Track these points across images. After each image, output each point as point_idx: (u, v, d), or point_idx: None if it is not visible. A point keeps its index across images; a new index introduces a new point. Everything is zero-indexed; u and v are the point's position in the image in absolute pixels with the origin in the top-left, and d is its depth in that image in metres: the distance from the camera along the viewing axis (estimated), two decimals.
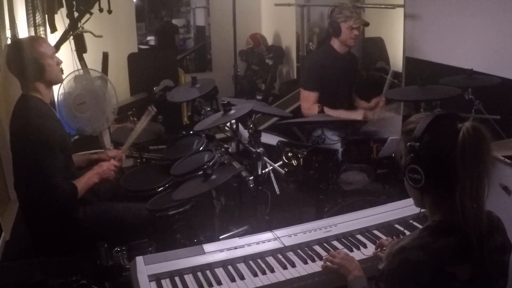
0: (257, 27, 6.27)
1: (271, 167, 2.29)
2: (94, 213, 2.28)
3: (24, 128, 2.14)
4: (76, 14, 3.72)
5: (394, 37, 4.45)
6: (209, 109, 2.83)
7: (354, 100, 3.45)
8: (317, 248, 1.79)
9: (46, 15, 3.86)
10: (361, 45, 4.47)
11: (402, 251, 1.21)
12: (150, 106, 2.83)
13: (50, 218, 2.18)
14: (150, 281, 1.58)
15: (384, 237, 1.82)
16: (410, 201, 1.39)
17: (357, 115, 3.12)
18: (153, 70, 5.19)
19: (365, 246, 1.80)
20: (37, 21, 3.94)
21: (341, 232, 1.87)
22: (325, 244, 1.82)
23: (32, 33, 3.90)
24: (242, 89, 5.72)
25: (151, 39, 6.13)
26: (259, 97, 5.64)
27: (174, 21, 6.23)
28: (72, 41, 3.83)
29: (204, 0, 6.20)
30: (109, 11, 3.87)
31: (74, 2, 3.72)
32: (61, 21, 3.91)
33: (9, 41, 3.75)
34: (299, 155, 2.48)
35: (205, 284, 1.58)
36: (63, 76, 2.52)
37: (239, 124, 2.41)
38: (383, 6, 4.23)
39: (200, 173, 2.20)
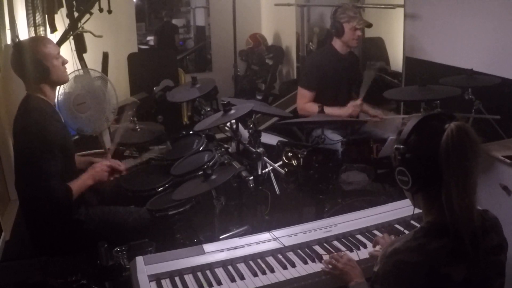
0: (257, 27, 6.27)
1: (271, 167, 2.29)
2: (95, 215, 2.27)
3: (25, 128, 2.13)
4: (76, 14, 3.73)
5: (394, 37, 4.46)
6: (209, 109, 2.83)
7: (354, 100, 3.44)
8: (317, 248, 1.79)
9: (46, 15, 3.86)
10: (361, 45, 4.47)
11: (396, 253, 1.21)
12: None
13: (50, 218, 2.18)
14: (150, 281, 1.58)
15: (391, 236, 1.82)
16: (409, 201, 1.40)
17: (347, 110, 3.11)
18: (153, 70, 5.19)
19: (365, 246, 1.80)
20: (37, 21, 3.94)
21: (341, 232, 1.87)
22: (325, 244, 1.82)
23: (32, 33, 3.90)
24: (242, 89, 5.72)
25: (151, 39, 6.13)
26: (259, 97, 5.63)
27: (174, 21, 6.23)
28: (72, 41, 3.83)
29: (204, 0, 6.20)
30: (109, 11, 3.87)
31: (74, 2, 3.72)
32: (61, 21, 3.91)
33: (9, 41, 3.75)
34: (299, 155, 2.48)
35: (205, 284, 1.58)
36: None
37: (239, 124, 2.41)
38: (383, 6, 4.23)
39: (200, 173, 2.20)
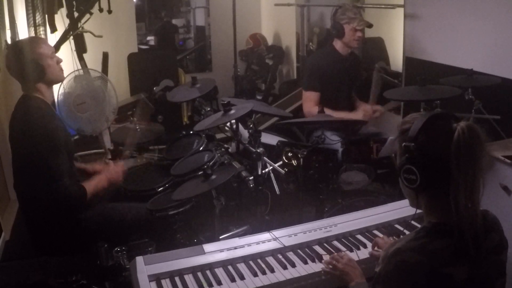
0: (257, 27, 6.27)
1: (271, 167, 2.29)
2: (94, 214, 2.27)
3: (28, 129, 2.12)
4: (76, 14, 3.73)
5: (394, 37, 4.46)
6: (209, 109, 2.83)
7: (354, 101, 3.45)
8: (317, 248, 1.79)
9: (46, 15, 3.86)
10: (361, 45, 4.46)
11: (397, 253, 1.21)
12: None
13: (51, 218, 2.18)
14: (150, 281, 1.58)
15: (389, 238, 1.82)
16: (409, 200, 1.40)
17: (357, 115, 3.11)
18: (153, 70, 5.19)
19: (365, 246, 1.80)
20: (37, 21, 3.94)
21: (341, 232, 1.87)
22: (325, 244, 1.82)
23: (32, 33, 3.90)
24: (242, 89, 5.72)
25: (151, 39, 6.13)
26: (259, 97, 5.64)
27: (174, 21, 6.23)
28: (72, 41, 3.84)
29: (204, 0, 6.20)
30: (109, 11, 3.87)
31: (74, 2, 3.72)
32: (61, 21, 3.92)
33: (9, 41, 3.75)
34: (299, 155, 2.48)
35: (205, 284, 1.58)
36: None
37: (239, 124, 2.41)
38: (383, 6, 4.23)
39: (200, 173, 2.20)
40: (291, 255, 1.75)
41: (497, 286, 1.26)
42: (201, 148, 2.59)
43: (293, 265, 1.68)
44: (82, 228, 2.22)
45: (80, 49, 3.88)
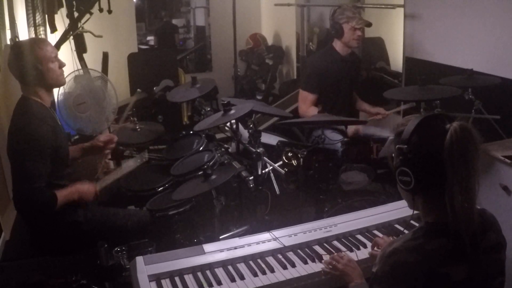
0: (257, 27, 6.27)
1: (271, 167, 2.29)
2: (94, 217, 2.27)
3: (15, 130, 2.13)
4: (76, 14, 3.72)
5: (394, 37, 4.45)
6: (209, 109, 2.83)
7: (355, 101, 3.44)
8: (317, 248, 1.79)
9: (46, 15, 3.86)
10: (361, 45, 4.46)
11: (394, 253, 1.21)
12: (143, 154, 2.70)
13: (45, 221, 2.18)
14: (150, 281, 1.58)
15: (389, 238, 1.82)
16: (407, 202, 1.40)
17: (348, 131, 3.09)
18: (153, 70, 5.19)
19: (365, 246, 1.80)
20: (37, 21, 3.94)
21: (341, 232, 1.87)
22: (325, 244, 1.82)
23: (32, 33, 3.90)
24: (242, 89, 5.72)
25: (151, 39, 6.13)
26: (259, 97, 5.63)
27: (174, 21, 6.23)
28: (72, 41, 3.83)
29: (204, 0, 6.20)
30: (109, 11, 3.87)
31: (74, 2, 3.72)
32: (61, 21, 3.91)
33: (8, 41, 3.75)
34: (299, 155, 2.48)
35: (205, 284, 1.58)
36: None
37: (239, 124, 2.41)
38: (383, 6, 4.23)
39: (200, 173, 2.20)
40: (291, 255, 1.75)
41: (496, 285, 1.26)
42: (201, 148, 2.59)
43: (293, 265, 1.68)
44: (82, 231, 2.22)
45: (80, 49, 3.88)
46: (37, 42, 2.26)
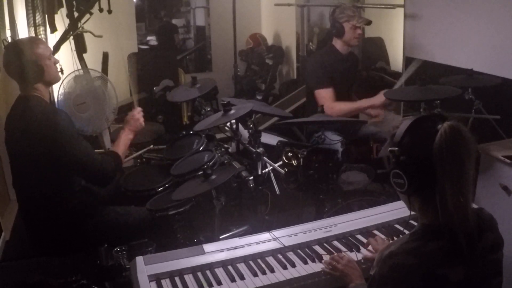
0: (257, 27, 6.26)
1: (271, 167, 2.29)
2: (94, 216, 2.27)
3: (35, 127, 2.09)
4: (76, 14, 3.72)
5: (394, 37, 4.46)
6: (209, 109, 2.82)
7: (353, 101, 3.44)
8: (317, 248, 1.79)
9: (46, 15, 3.85)
10: (361, 45, 4.47)
11: (392, 256, 1.21)
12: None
13: (50, 217, 2.18)
14: (150, 281, 1.58)
15: (383, 237, 1.82)
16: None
17: (377, 99, 3.07)
18: (153, 70, 5.19)
19: None
20: (37, 21, 3.93)
21: (341, 232, 1.87)
22: (325, 244, 1.82)
23: (32, 33, 3.90)
24: (242, 89, 5.72)
25: (151, 39, 6.12)
26: (259, 97, 5.63)
27: (174, 21, 6.22)
28: (72, 41, 3.83)
29: (204, 0, 6.19)
30: (109, 11, 3.86)
31: (74, 2, 3.72)
32: (61, 21, 3.91)
33: (3, 43, 3.75)
34: (299, 155, 2.48)
35: (205, 284, 1.58)
36: (64, 76, 2.52)
37: (239, 124, 2.41)
38: (383, 6, 4.23)
39: (200, 173, 2.20)
40: (291, 255, 1.75)
41: (493, 285, 1.26)
42: (201, 148, 2.59)
43: (293, 265, 1.68)
44: (83, 231, 2.22)
45: (80, 49, 3.87)
46: (33, 40, 2.31)
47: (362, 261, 1.70)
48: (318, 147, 2.54)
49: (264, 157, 2.23)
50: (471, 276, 1.19)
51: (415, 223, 1.79)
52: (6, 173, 3.41)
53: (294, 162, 2.48)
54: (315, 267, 1.67)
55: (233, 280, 1.60)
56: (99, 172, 2.19)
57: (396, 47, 4.49)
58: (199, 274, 1.64)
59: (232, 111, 2.32)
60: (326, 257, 1.70)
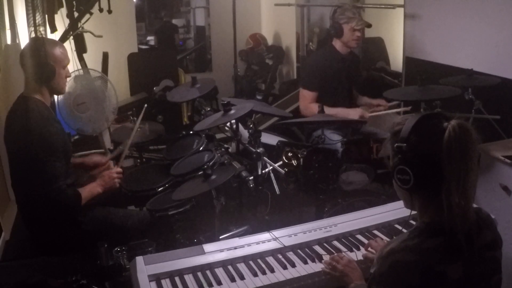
0: (257, 27, 6.27)
1: (271, 167, 2.29)
2: (94, 216, 2.27)
3: (26, 130, 2.11)
4: (76, 14, 3.72)
5: (394, 37, 4.46)
6: (209, 109, 2.83)
7: (355, 98, 3.45)
8: (317, 248, 1.79)
9: (46, 15, 3.85)
10: (361, 45, 4.47)
11: (391, 253, 1.22)
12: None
13: (48, 219, 2.18)
14: (150, 281, 1.58)
15: (383, 237, 1.82)
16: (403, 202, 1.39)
17: (354, 114, 3.10)
18: (153, 70, 5.19)
19: None
20: (37, 21, 3.93)
21: (341, 232, 1.87)
22: (325, 244, 1.82)
23: (32, 33, 3.90)
24: (242, 89, 5.71)
25: (151, 39, 6.13)
26: (259, 97, 5.63)
27: (174, 21, 6.23)
28: (72, 41, 3.83)
29: (204, 0, 6.20)
30: (109, 11, 3.87)
31: (74, 2, 3.72)
32: (61, 21, 3.91)
33: (9, 41, 3.75)
34: (299, 155, 2.48)
35: (205, 284, 1.58)
36: None
37: (239, 124, 2.41)
38: (383, 6, 4.23)
39: (200, 173, 2.20)
40: (291, 255, 1.75)
41: (492, 283, 1.26)
42: (201, 148, 2.59)
43: (293, 265, 1.68)
44: (82, 232, 2.22)
45: (80, 49, 3.88)
46: (60, 45, 2.29)
47: (362, 260, 1.70)
48: (318, 147, 2.54)
49: (264, 157, 2.23)
50: (470, 273, 1.20)
51: (415, 223, 1.80)
52: (6, 173, 3.41)
53: (294, 162, 2.48)
54: (315, 267, 1.67)
55: (233, 280, 1.60)
56: (55, 194, 2.08)
57: (396, 47, 4.49)
58: (199, 274, 1.64)
59: (232, 111, 2.32)
60: (326, 257, 1.70)
